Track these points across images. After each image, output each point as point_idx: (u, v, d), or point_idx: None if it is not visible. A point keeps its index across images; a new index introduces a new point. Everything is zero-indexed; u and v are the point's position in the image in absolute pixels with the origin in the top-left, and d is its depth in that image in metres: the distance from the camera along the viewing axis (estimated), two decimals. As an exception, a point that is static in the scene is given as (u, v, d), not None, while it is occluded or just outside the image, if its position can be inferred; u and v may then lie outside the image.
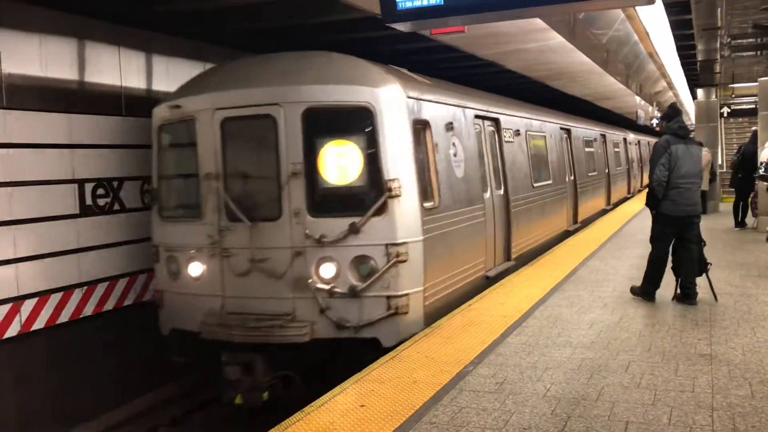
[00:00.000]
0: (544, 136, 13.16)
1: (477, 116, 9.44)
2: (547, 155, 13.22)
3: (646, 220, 9.09)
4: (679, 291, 7.65)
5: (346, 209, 6.84)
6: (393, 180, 6.76)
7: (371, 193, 6.83)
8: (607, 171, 19.80)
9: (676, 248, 7.64)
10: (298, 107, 6.78)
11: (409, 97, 7.20)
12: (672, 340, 6.23)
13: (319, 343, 6.80)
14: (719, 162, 19.61)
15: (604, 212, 18.70)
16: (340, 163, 6.91)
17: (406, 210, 6.88)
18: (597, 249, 11.96)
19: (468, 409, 4.81)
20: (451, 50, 10.28)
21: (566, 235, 14.27)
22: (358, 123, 6.84)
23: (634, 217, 17.27)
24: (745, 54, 18.22)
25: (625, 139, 24.40)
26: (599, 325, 6.85)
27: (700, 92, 19.51)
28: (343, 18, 7.84)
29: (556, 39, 10.29)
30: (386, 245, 6.77)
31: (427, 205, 7.32)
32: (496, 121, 10.29)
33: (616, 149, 22.32)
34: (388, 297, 6.78)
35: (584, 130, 17.27)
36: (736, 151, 16.12)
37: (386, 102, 6.84)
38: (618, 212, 18.89)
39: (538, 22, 8.97)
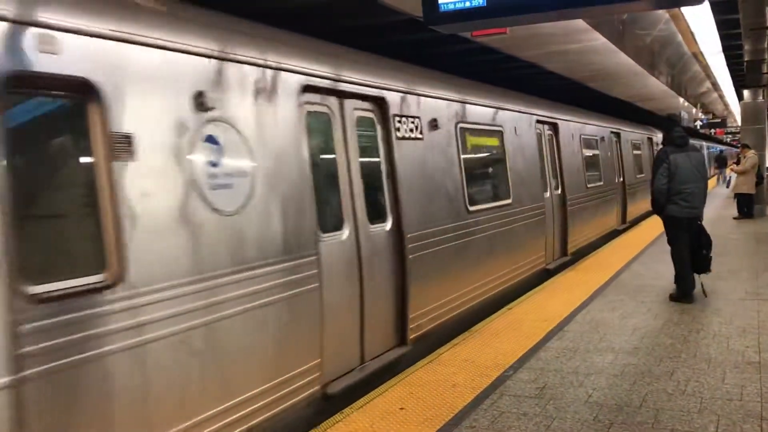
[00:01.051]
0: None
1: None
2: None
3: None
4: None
5: None
6: None
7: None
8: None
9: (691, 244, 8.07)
10: None
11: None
12: (718, 347, 6.08)
13: None
14: (767, 164, 19.11)
15: (650, 213, 18.67)
16: None
17: None
18: (639, 253, 11.75)
19: (508, 413, 4.77)
20: (491, 52, 10.20)
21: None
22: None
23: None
24: (793, 54, 17.72)
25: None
26: (642, 331, 6.72)
27: (746, 93, 19.04)
28: (385, 21, 7.84)
29: (599, 40, 10.12)
30: None
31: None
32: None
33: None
34: None
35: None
36: None
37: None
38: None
39: (580, 22, 8.83)
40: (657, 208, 8.01)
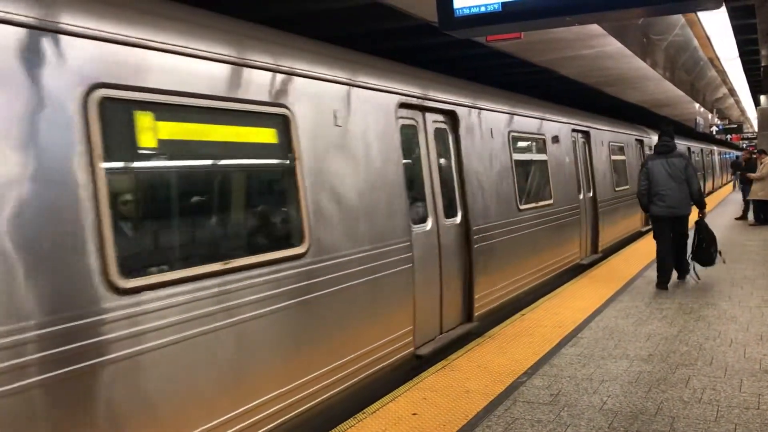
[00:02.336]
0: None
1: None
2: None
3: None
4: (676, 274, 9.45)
5: None
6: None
7: None
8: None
9: (673, 240, 9.27)
10: None
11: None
12: (735, 354, 6.02)
13: None
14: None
15: None
16: None
17: None
18: (654, 260, 11.65)
19: (522, 420, 4.74)
20: (504, 56, 10.18)
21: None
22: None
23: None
24: (812, 59, 17.52)
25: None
26: (657, 338, 6.67)
27: (763, 99, 18.91)
28: (399, 26, 7.84)
29: (614, 45, 10.08)
30: None
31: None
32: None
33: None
34: None
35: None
36: None
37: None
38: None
39: (595, 27, 8.79)
40: (642, 207, 9.36)
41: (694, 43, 17.02)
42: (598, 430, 4.50)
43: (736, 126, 35.38)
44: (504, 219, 8.22)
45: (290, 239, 4.78)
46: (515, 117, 9.08)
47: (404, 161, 6.20)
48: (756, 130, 22.97)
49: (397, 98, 6.26)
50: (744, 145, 39.31)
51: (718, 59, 20.29)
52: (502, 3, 3.86)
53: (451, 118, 7.35)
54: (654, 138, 19.38)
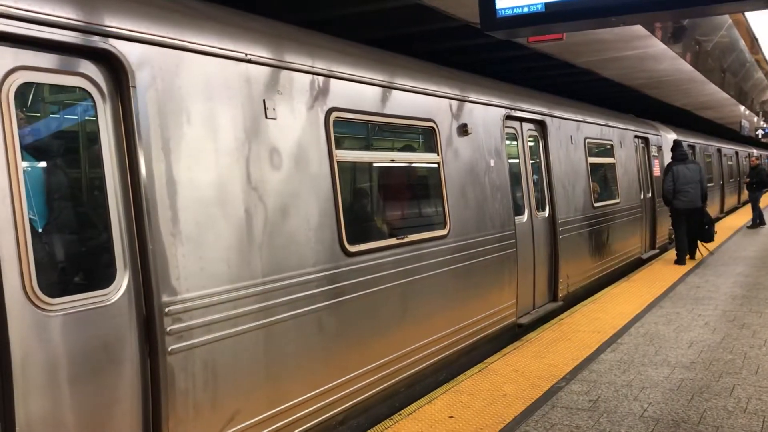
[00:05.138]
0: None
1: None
2: None
3: (748, 237, 9.90)
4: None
5: None
6: None
7: None
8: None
9: (690, 227, 11.72)
10: None
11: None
12: (781, 364, 5.86)
13: None
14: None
15: (725, 214, 21.16)
16: None
17: None
18: (695, 265, 11.43)
19: (560, 426, 4.68)
20: (545, 58, 10.06)
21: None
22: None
23: (736, 233, 16.43)
24: None
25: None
26: (700, 345, 6.53)
27: (812, 101, 18.35)
28: (440, 27, 7.80)
29: (658, 46, 9.89)
30: None
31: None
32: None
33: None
34: None
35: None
36: None
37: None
38: (723, 225, 18.15)
39: (638, 28, 8.63)
40: (666, 203, 11.86)
41: (741, 44, 16.61)
42: (638, 438, 4.42)
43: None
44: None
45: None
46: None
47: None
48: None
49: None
50: None
51: (766, 60, 19.78)
52: (546, 3, 3.81)
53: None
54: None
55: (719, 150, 22.73)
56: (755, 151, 24.88)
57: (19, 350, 2.91)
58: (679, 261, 11.59)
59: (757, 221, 17.48)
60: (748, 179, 18.70)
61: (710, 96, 16.76)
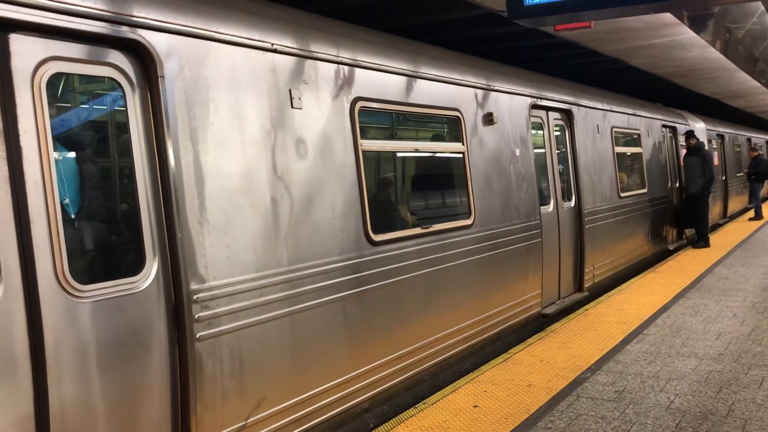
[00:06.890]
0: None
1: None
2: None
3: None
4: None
5: None
6: None
7: None
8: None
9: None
10: None
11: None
12: (812, 357, 5.77)
13: None
14: None
15: (745, 210, 20.51)
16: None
17: None
18: (724, 256, 11.28)
19: (586, 416, 4.66)
20: (572, 46, 9.94)
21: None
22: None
23: (766, 224, 16.18)
24: None
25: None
26: (728, 337, 6.45)
27: None
28: (466, 16, 7.74)
29: (687, 34, 9.72)
30: None
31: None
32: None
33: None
34: None
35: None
36: None
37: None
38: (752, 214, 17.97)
39: (667, 16, 8.49)
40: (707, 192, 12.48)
41: (773, 31, 16.25)
42: (665, 430, 4.39)
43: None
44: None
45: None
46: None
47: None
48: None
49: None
50: None
51: (798, 48, 19.36)
52: (574, -9, 3.78)
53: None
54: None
55: (749, 139, 22.53)
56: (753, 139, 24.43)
57: (51, 336, 2.97)
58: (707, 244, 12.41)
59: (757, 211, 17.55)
60: (747, 170, 18.69)
61: (740, 85, 16.45)
